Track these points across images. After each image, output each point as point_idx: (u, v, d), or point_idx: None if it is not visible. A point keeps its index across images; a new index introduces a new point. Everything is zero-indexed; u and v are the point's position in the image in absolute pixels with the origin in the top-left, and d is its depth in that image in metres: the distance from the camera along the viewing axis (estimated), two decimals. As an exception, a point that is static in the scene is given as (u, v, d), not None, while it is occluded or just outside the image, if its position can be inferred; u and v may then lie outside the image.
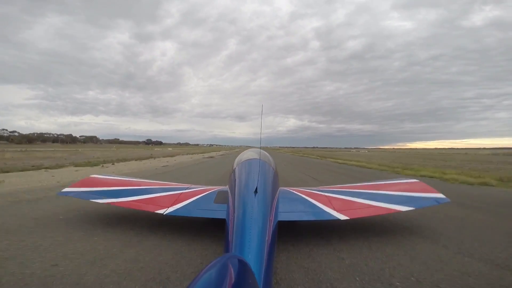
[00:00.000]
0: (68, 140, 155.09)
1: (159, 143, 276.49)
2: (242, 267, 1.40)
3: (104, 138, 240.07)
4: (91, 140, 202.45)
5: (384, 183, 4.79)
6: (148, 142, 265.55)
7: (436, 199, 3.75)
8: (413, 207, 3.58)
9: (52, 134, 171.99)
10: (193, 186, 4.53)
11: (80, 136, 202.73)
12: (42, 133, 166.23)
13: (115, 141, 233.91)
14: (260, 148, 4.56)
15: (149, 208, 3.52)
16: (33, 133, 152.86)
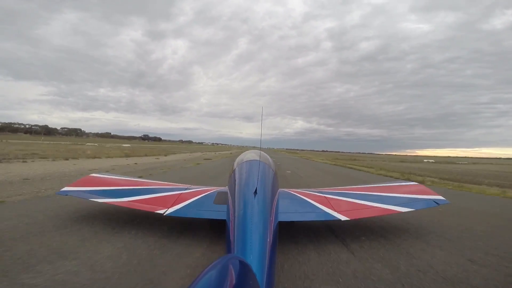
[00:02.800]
0: (43, 131, 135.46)
1: (158, 140, 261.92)
2: (243, 268, 1.42)
3: (99, 132, 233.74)
4: (75, 132, 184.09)
5: (384, 186, 4.91)
6: (145, 138, 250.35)
7: (435, 201, 3.87)
8: (412, 208, 3.71)
9: (25, 125, 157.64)
10: (192, 186, 4.62)
11: (61, 128, 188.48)
12: (11, 122, 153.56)
13: (106, 135, 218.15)
14: (260, 149, 4.65)
15: (149, 208, 3.57)
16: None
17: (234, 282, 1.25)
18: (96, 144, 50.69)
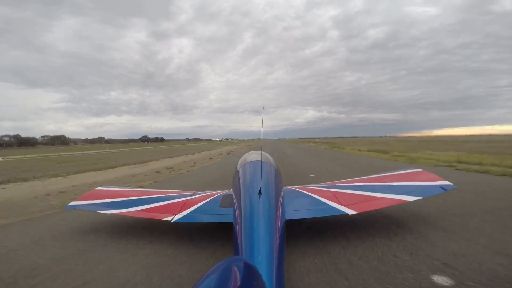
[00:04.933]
0: (15, 142, 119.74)
1: (160, 140, 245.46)
2: (247, 269, 1.44)
3: (92, 137, 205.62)
4: (59, 140, 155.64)
5: (389, 175, 4.89)
6: (144, 140, 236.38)
7: (442, 186, 3.83)
8: (420, 196, 3.66)
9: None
10: (197, 192, 4.75)
11: (42, 137, 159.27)
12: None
13: (98, 140, 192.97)
14: (262, 145, 4.73)
15: (156, 216, 3.72)
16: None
17: (238, 283, 1.27)
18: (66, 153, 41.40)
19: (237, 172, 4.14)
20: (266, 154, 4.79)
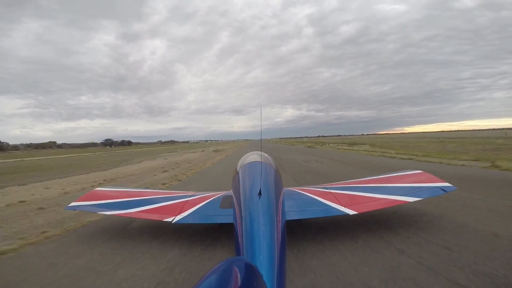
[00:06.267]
0: None
1: (127, 143, 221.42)
2: (248, 270, 1.46)
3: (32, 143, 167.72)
4: None
5: (389, 176, 4.98)
6: (107, 143, 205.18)
7: (442, 188, 3.91)
8: (420, 197, 3.75)
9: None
10: (197, 193, 4.73)
11: None
12: None
13: (48, 145, 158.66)
14: (261, 145, 4.78)
15: (157, 217, 3.71)
16: None
17: (239, 284, 1.28)
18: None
19: (237, 173, 4.18)
20: (266, 155, 4.83)
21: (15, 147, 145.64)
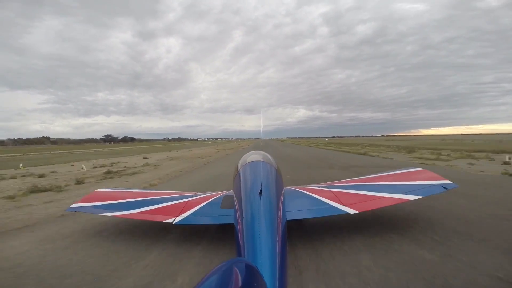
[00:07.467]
0: None
1: (130, 140, 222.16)
2: (249, 270, 1.46)
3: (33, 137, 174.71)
4: None
5: (389, 174, 4.98)
6: (107, 140, 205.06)
7: (443, 185, 3.94)
8: (422, 195, 3.76)
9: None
10: (198, 193, 4.76)
11: None
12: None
13: (41, 141, 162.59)
14: (262, 142, 4.74)
15: (157, 218, 3.73)
16: None
17: (239, 285, 1.29)
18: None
19: (238, 172, 4.19)
20: (267, 154, 4.86)
21: (1, 143, 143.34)
